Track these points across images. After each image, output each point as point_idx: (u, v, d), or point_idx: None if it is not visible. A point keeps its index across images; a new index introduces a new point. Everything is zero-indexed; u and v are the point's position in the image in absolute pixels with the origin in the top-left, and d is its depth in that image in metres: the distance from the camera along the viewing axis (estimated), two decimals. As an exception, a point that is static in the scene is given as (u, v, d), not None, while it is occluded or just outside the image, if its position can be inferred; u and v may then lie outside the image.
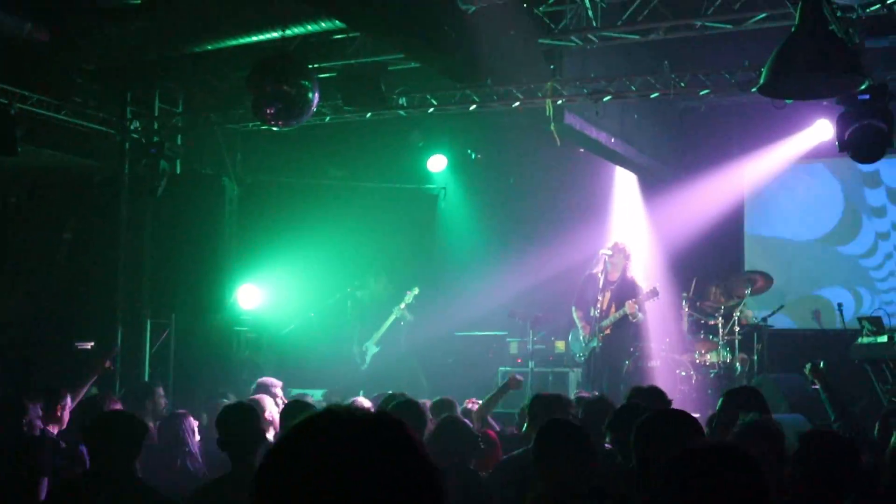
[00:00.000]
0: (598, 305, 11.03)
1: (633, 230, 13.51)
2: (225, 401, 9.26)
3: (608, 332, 10.98)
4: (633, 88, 10.66)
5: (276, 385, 8.68)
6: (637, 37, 10.00)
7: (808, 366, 7.00)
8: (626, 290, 10.99)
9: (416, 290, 12.20)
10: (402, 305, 12.11)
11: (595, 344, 10.95)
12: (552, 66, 10.51)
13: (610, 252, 11.12)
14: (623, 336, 11.11)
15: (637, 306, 10.82)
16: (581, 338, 11.15)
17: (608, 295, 11.05)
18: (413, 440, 1.61)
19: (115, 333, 12.14)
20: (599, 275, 11.09)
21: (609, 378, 10.82)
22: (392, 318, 12.13)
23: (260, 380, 8.93)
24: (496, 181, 14.04)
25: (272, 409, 7.64)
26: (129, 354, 12.13)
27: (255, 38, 9.51)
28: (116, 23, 9.77)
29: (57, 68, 10.46)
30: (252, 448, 4.96)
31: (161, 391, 9.22)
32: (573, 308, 11.37)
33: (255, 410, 5.57)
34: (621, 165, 13.65)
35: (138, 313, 12.27)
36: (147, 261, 12.31)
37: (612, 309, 10.99)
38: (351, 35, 10.22)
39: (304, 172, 13.40)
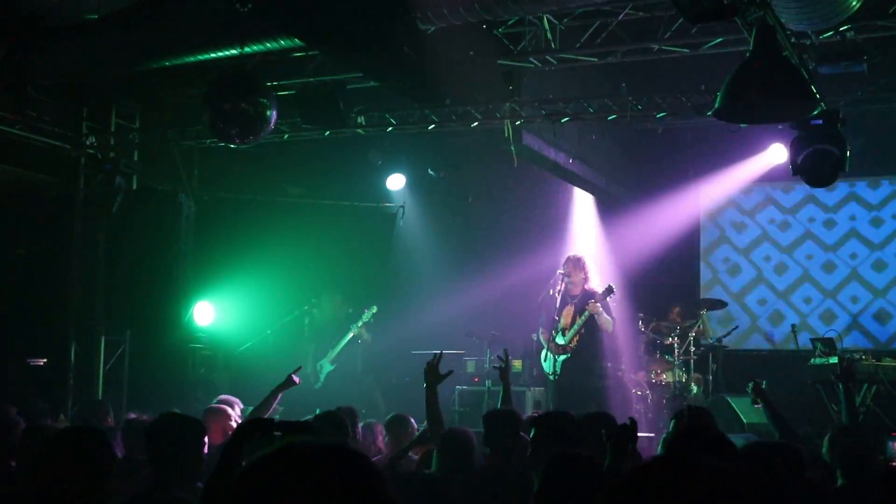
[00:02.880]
0: (562, 321, 10.92)
1: (591, 250, 13.57)
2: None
3: (575, 343, 10.81)
4: (591, 110, 10.74)
5: (236, 403, 8.61)
6: (595, 59, 10.10)
7: (751, 385, 7.08)
8: (586, 299, 10.89)
9: (374, 309, 12.15)
10: (360, 324, 12.06)
11: (564, 358, 10.79)
12: (511, 86, 10.56)
13: (564, 270, 11.05)
14: (592, 351, 10.88)
15: (598, 305, 10.69)
16: (550, 355, 10.94)
17: (571, 309, 10.94)
18: (374, 473, 1.60)
19: (69, 350, 12.00)
20: (557, 294, 11.05)
21: (579, 396, 10.66)
22: (349, 336, 12.08)
23: (220, 397, 8.85)
24: (454, 200, 14.06)
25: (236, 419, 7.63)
26: (83, 371, 11.99)
27: (213, 55, 9.47)
28: (73, 38, 9.70)
29: (12, 82, 10.35)
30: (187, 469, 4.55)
31: (107, 407, 9.16)
32: (539, 330, 11.26)
33: (201, 425, 5.07)
34: (579, 186, 13.74)
35: (92, 330, 12.14)
36: (101, 277, 12.18)
37: (577, 318, 10.84)
38: (310, 53, 10.22)
39: (261, 190, 13.35)
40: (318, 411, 9.70)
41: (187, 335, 12.35)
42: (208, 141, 11.53)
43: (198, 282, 12.32)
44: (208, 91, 9.63)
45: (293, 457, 1.59)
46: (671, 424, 5.89)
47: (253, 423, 3.75)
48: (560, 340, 10.83)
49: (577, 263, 11.01)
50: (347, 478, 1.57)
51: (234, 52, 9.23)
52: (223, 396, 8.81)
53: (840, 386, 7.16)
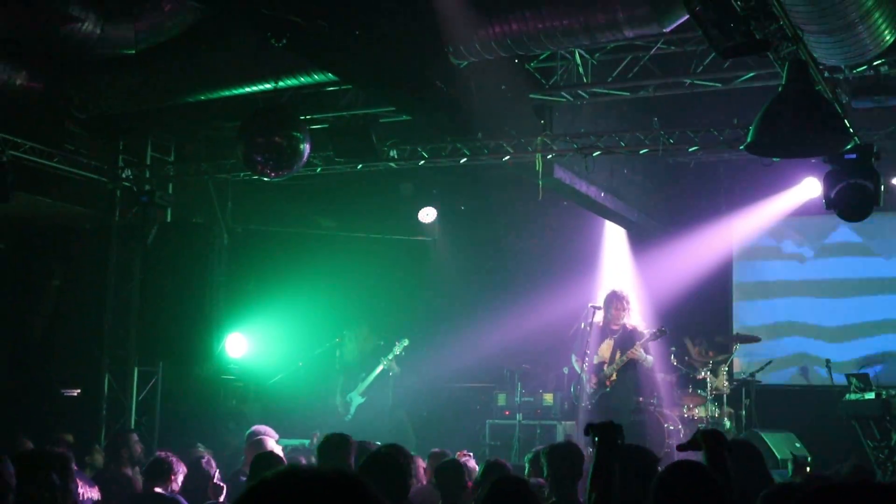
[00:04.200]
0: (600, 354, 11.00)
1: (623, 283, 13.54)
2: (200, 448, 9.24)
3: (615, 378, 10.91)
4: (623, 144, 10.75)
5: (271, 434, 8.62)
6: (627, 93, 10.12)
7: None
8: (629, 336, 10.99)
9: (405, 342, 12.14)
10: (391, 357, 12.06)
11: (601, 392, 10.87)
12: (542, 120, 10.59)
13: (600, 304, 11.14)
14: (629, 385, 11.03)
15: (642, 350, 10.83)
16: (585, 386, 11.01)
17: (611, 343, 11.03)
18: (371, 498, 1.61)
19: (102, 380, 12.09)
20: (588, 325, 11.04)
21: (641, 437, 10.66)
22: (379, 368, 12.07)
23: (253, 428, 8.87)
24: (486, 233, 14.08)
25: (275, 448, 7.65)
26: (116, 402, 12.07)
27: (247, 90, 9.58)
28: (111, 72, 9.86)
29: (50, 116, 10.51)
30: None
31: (136, 437, 9.19)
32: (573, 358, 11.30)
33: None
34: (610, 220, 13.72)
35: (125, 361, 12.22)
36: (135, 308, 12.28)
37: (618, 355, 10.95)
38: (343, 87, 10.31)
39: (294, 222, 13.44)
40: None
41: (219, 367, 12.41)
42: (242, 174, 11.64)
43: (230, 313, 12.38)
44: (242, 124, 9.74)
45: (295, 481, 1.61)
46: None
47: None
48: (598, 374, 10.88)
49: (620, 298, 11.10)
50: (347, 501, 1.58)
51: (268, 86, 9.34)
52: (256, 427, 8.83)
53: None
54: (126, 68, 9.67)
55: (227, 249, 12.47)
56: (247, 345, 12.56)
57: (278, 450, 7.68)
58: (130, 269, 12.40)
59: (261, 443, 7.91)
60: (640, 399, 11.27)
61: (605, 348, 11.03)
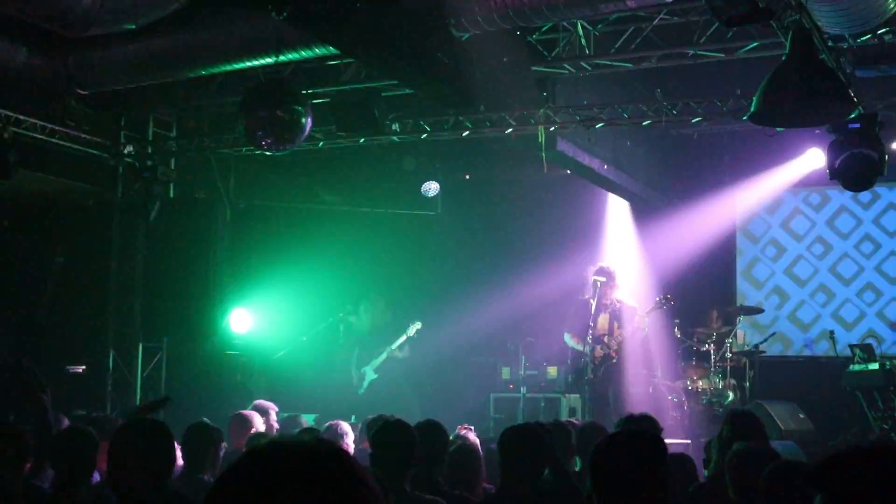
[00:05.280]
0: (597, 328, 10.99)
1: (626, 256, 13.55)
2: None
3: (618, 350, 10.96)
4: (626, 116, 10.71)
5: (272, 408, 8.67)
6: (630, 65, 10.07)
7: None
8: (622, 311, 11.03)
9: (418, 325, 12.14)
10: (403, 338, 12.06)
11: (604, 365, 10.90)
12: (545, 93, 10.56)
13: (604, 278, 11.12)
14: (633, 357, 11.13)
15: (647, 318, 10.89)
16: (587, 360, 11.00)
17: (607, 316, 11.05)
18: (355, 471, 1.61)
19: (107, 357, 12.12)
20: (592, 300, 11.05)
21: (614, 403, 10.76)
22: (390, 348, 12.09)
23: (255, 402, 8.92)
24: (489, 207, 14.06)
25: (260, 427, 7.66)
26: (121, 378, 12.11)
27: (248, 64, 9.54)
28: (112, 48, 9.82)
29: (51, 92, 10.48)
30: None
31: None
32: (566, 334, 11.30)
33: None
34: (613, 192, 13.71)
35: (130, 337, 12.26)
36: (139, 285, 12.30)
37: (615, 327, 10.97)
38: (345, 61, 10.27)
39: (296, 197, 13.43)
40: (353, 418, 9.76)
41: (224, 342, 12.43)
42: (244, 149, 11.61)
43: (234, 289, 12.40)
44: (244, 99, 9.71)
45: (283, 451, 1.60)
46: (725, 429, 5.76)
47: None
48: (600, 348, 10.89)
49: (611, 273, 11.11)
50: (334, 474, 1.58)
51: (269, 60, 9.30)
52: (259, 402, 8.87)
53: None
54: (127, 43, 9.63)
55: (230, 224, 12.47)
56: (251, 320, 12.58)
57: (263, 427, 7.71)
58: (133, 244, 12.41)
59: (246, 421, 7.92)
60: (645, 371, 11.32)
61: (603, 321, 11.05)
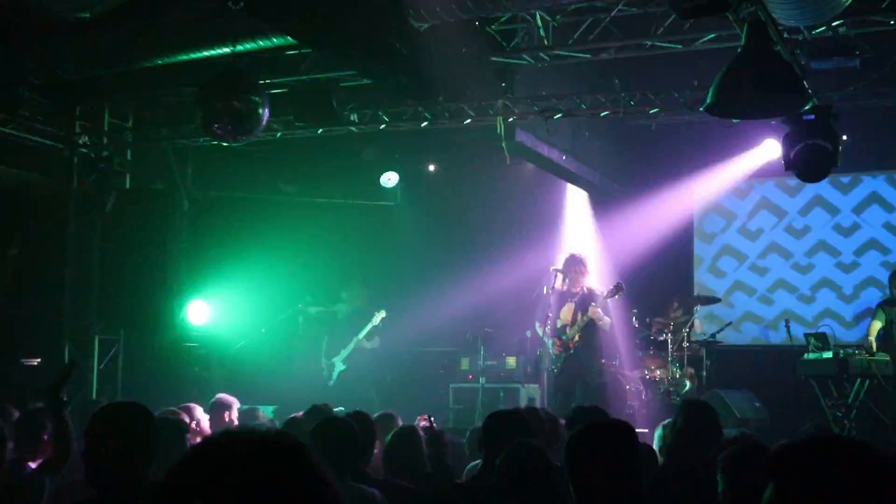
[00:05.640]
0: (562, 318, 11.00)
1: (585, 246, 13.61)
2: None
3: (578, 339, 10.90)
4: (584, 107, 10.74)
5: (234, 403, 8.62)
6: (588, 55, 10.09)
7: None
8: (587, 298, 10.98)
9: (382, 313, 12.13)
10: (369, 328, 12.05)
11: (565, 355, 10.89)
12: (503, 83, 10.56)
13: (564, 268, 11.12)
14: (592, 347, 11.01)
15: (600, 310, 10.81)
16: (551, 351, 11.02)
17: (572, 306, 11.02)
18: (311, 463, 1.60)
19: (63, 350, 12.00)
20: (551, 290, 11.07)
21: (580, 392, 10.73)
22: (358, 339, 12.07)
23: (217, 396, 8.86)
24: (448, 197, 14.06)
25: (201, 418, 7.64)
26: (77, 371, 11.98)
27: (205, 54, 9.46)
28: (66, 36, 9.69)
29: (4, 82, 10.34)
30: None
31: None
32: (536, 324, 11.32)
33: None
34: (573, 182, 13.76)
35: (86, 329, 12.14)
36: (95, 276, 12.18)
37: (579, 316, 10.93)
38: (303, 51, 10.21)
39: (255, 188, 13.35)
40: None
41: (181, 334, 12.36)
42: (201, 139, 11.52)
43: (192, 280, 12.32)
44: (200, 89, 9.62)
45: (234, 443, 1.59)
46: (679, 418, 5.81)
47: None
48: (562, 337, 10.90)
49: (579, 262, 11.07)
50: (284, 466, 1.57)
51: (226, 50, 9.22)
52: (221, 396, 8.82)
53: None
54: (82, 32, 9.50)
55: (188, 216, 12.38)
56: (209, 312, 12.51)
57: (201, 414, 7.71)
58: (90, 236, 12.28)
59: (222, 411, 7.92)
60: (603, 361, 11.35)
61: (567, 311, 11.04)
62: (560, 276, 11.10)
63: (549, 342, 10.98)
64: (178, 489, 1.56)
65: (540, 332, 11.20)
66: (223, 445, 1.59)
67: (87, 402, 10.15)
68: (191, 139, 11.92)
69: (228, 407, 8.43)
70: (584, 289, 11.05)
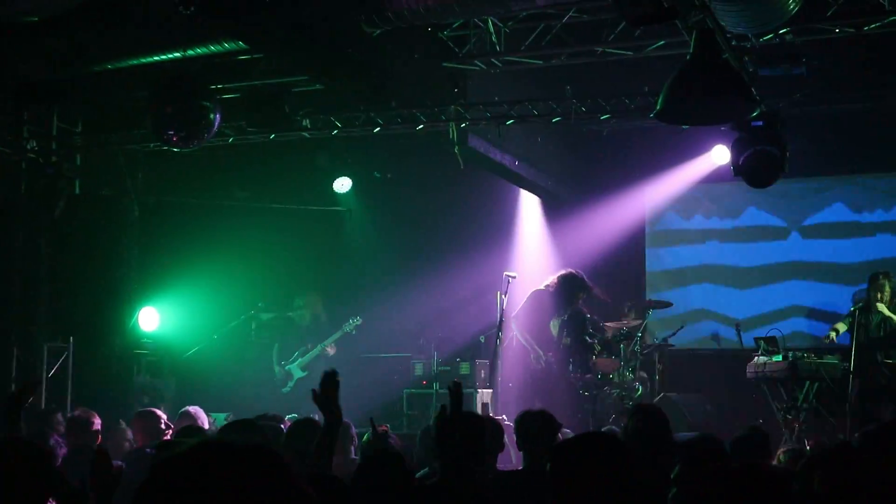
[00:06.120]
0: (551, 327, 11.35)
1: (537, 252, 13.69)
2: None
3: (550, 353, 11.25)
4: (536, 113, 10.80)
5: (202, 418, 8.53)
6: (540, 62, 10.15)
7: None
8: (582, 319, 11.52)
9: (358, 320, 12.05)
10: (339, 334, 11.99)
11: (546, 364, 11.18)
12: (456, 89, 10.59)
13: (515, 275, 11.30)
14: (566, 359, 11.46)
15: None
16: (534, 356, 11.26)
17: (558, 322, 11.38)
18: (288, 473, 1.60)
19: (10, 358, 11.82)
20: (504, 295, 11.17)
21: (542, 400, 10.86)
22: (324, 345, 12.01)
23: (186, 409, 8.77)
24: (402, 203, 14.04)
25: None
26: (25, 380, 11.81)
27: (156, 58, 9.39)
28: (12, 40, 9.57)
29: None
30: None
31: (60, 417, 9.02)
32: (514, 326, 11.50)
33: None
34: (525, 188, 13.82)
35: (34, 337, 11.96)
36: (44, 283, 12.02)
37: (564, 335, 11.34)
38: (255, 56, 10.17)
39: (207, 193, 13.24)
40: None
41: (132, 341, 12.25)
42: (152, 145, 11.42)
43: (142, 287, 12.21)
44: (151, 94, 9.56)
45: (209, 453, 1.59)
46: (630, 422, 5.88)
47: None
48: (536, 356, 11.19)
49: (579, 282, 11.44)
50: (262, 474, 1.57)
51: (177, 54, 9.16)
52: (190, 408, 8.72)
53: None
54: (30, 36, 9.40)
55: (139, 221, 12.26)
56: (159, 318, 12.41)
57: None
58: (38, 242, 12.10)
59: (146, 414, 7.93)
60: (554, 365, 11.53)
61: (554, 326, 11.35)
62: (513, 281, 11.19)
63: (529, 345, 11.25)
64: (152, 497, 1.55)
65: (524, 339, 11.37)
66: (197, 455, 1.58)
67: (36, 411, 9.98)
68: (141, 144, 11.80)
69: (195, 420, 8.36)
70: (581, 310, 11.40)
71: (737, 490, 2.45)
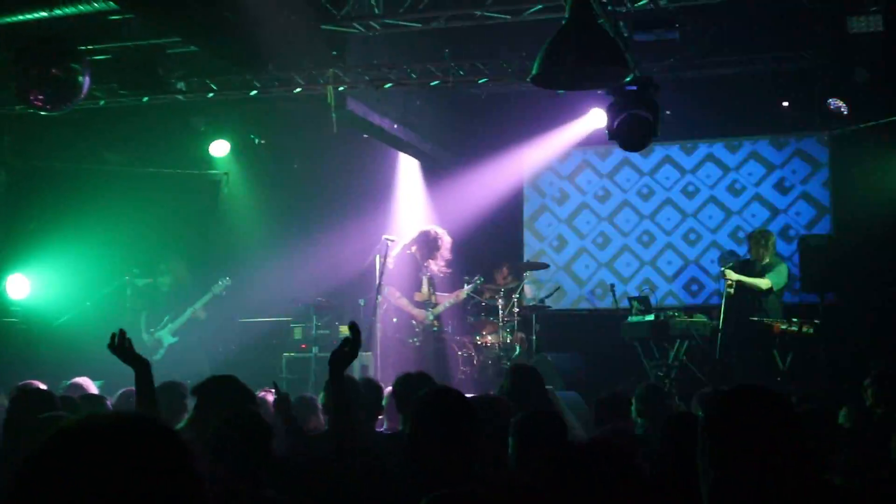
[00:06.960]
0: (423, 291, 11.31)
1: (416, 215, 13.73)
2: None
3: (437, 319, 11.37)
4: (414, 76, 10.80)
5: (90, 387, 8.37)
6: (419, 25, 10.14)
7: None
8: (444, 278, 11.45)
9: (227, 281, 11.85)
10: (209, 297, 11.79)
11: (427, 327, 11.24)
12: (335, 52, 10.51)
13: (395, 238, 11.28)
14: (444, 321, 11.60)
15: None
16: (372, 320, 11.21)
17: (427, 283, 11.37)
18: (181, 447, 1.60)
19: None
20: (383, 259, 11.17)
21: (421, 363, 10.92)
22: (194, 308, 11.80)
23: (74, 381, 8.58)
24: (280, 167, 13.92)
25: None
26: None
27: (21, 18, 9.06)
28: None
29: None
30: None
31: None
32: (387, 290, 11.44)
33: None
34: (404, 151, 13.84)
35: None
36: None
37: (433, 295, 11.40)
38: (127, 16, 9.90)
39: (79, 158, 12.87)
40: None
41: (1, 309, 11.90)
42: (18, 108, 11.04)
43: (11, 254, 11.84)
44: (15, 55, 9.21)
45: (97, 427, 1.58)
46: (506, 382, 6.04)
47: None
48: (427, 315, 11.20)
49: (433, 239, 11.34)
50: (151, 448, 1.57)
51: (43, 14, 8.85)
52: (75, 380, 8.55)
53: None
54: None
55: (6, 186, 11.87)
56: (30, 286, 12.07)
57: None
58: None
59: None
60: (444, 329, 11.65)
61: (425, 288, 11.35)
62: (392, 244, 11.19)
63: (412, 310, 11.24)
64: (44, 469, 1.53)
65: (396, 301, 11.37)
66: (85, 430, 1.57)
67: None
68: (7, 107, 11.40)
69: (86, 391, 8.21)
70: (441, 270, 11.38)
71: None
